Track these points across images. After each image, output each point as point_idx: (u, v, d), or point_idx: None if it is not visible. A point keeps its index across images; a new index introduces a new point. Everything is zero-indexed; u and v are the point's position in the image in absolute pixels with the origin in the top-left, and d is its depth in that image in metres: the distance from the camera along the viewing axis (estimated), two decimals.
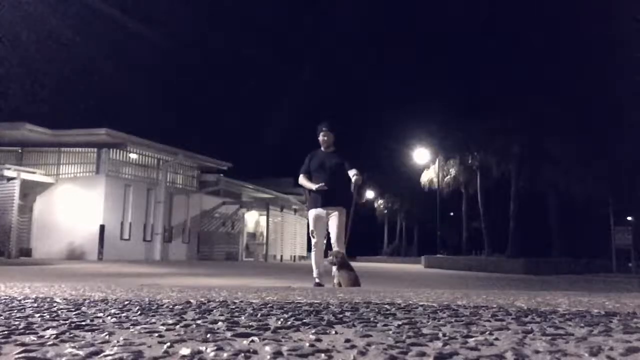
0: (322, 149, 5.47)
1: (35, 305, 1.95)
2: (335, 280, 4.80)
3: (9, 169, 15.13)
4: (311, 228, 5.40)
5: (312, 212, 5.36)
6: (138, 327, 1.33)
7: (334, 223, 5.24)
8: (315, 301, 2.25)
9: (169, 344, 1.07)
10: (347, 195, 5.41)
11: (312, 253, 5.43)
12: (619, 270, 16.44)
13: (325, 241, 5.47)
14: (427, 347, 1.08)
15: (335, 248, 5.15)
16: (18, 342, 1.09)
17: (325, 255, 5.24)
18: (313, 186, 5.30)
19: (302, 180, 5.49)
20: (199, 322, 1.46)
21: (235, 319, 1.55)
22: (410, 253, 38.87)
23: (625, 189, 21.46)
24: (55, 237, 15.91)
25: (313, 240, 5.38)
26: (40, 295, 2.43)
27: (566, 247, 22.78)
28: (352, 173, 5.24)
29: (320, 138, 5.43)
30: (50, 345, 1.07)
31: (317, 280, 5.22)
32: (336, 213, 5.25)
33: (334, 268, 4.85)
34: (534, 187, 23.63)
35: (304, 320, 1.51)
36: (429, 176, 28.21)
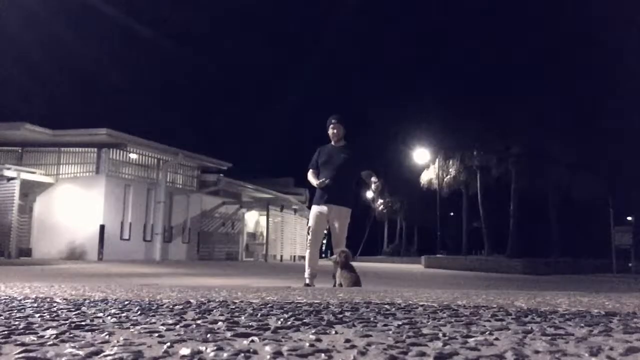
0: (332, 143, 5.28)
1: (35, 305, 1.95)
2: (337, 281, 4.78)
3: (9, 169, 15.12)
4: (309, 224, 5.16)
5: (314, 209, 5.15)
6: (138, 327, 1.33)
7: (336, 225, 5.04)
8: (315, 301, 2.25)
9: (169, 344, 1.07)
10: (352, 194, 5.22)
11: (307, 251, 5.22)
12: (619, 270, 16.42)
13: (325, 240, 5.36)
14: (427, 347, 1.08)
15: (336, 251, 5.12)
16: (18, 342, 1.09)
17: (323, 256, 5.17)
18: (316, 182, 5.10)
19: (309, 175, 5.27)
20: (199, 322, 1.46)
21: (235, 319, 1.55)
22: (410, 253, 38.85)
23: (625, 189, 21.47)
24: (55, 237, 15.90)
25: (309, 238, 5.14)
26: (40, 295, 2.43)
27: (566, 247, 22.79)
28: (371, 179, 5.07)
29: (330, 131, 5.23)
30: (50, 345, 1.07)
31: (307, 281, 5.08)
32: (338, 213, 5.05)
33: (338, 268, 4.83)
34: (534, 187, 23.62)
35: (304, 320, 1.51)
36: (429, 176, 28.20)
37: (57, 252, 15.74)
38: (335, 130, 5.22)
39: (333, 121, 5.22)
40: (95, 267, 10.26)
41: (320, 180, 5.06)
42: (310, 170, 5.26)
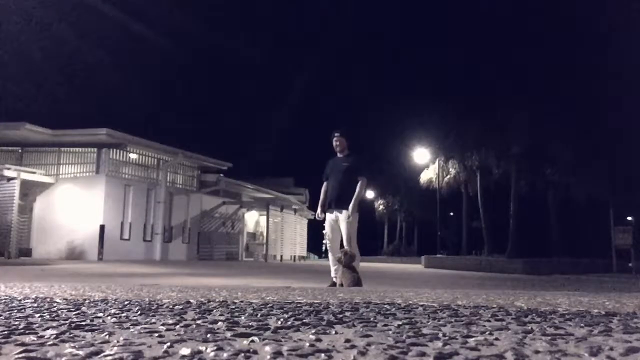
0: (338, 154, 5.83)
1: (35, 305, 1.95)
2: (338, 281, 4.81)
3: (9, 169, 15.12)
4: (324, 231, 5.81)
5: (326, 216, 5.73)
6: (138, 327, 1.33)
7: (342, 227, 5.54)
8: (315, 301, 2.25)
9: (169, 344, 1.07)
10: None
11: (329, 255, 5.79)
12: (619, 270, 16.43)
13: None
14: (427, 347, 1.08)
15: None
16: (18, 342, 1.09)
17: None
18: (319, 210, 5.77)
19: (322, 190, 5.84)
20: (199, 322, 1.46)
21: (235, 319, 1.55)
22: (410, 253, 38.79)
23: (625, 189, 21.47)
24: (55, 237, 15.90)
25: (328, 244, 5.78)
26: (40, 295, 2.43)
27: (566, 247, 22.77)
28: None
29: (334, 144, 5.80)
30: (50, 345, 1.07)
31: (334, 280, 5.39)
32: (344, 216, 5.52)
33: (337, 268, 4.89)
34: (534, 187, 23.60)
35: (304, 320, 1.51)
36: (428, 176, 28.18)
37: (57, 252, 15.74)
38: (337, 143, 5.77)
39: (336, 135, 5.78)
40: (95, 267, 10.26)
41: (316, 214, 5.81)
42: (324, 184, 5.85)
